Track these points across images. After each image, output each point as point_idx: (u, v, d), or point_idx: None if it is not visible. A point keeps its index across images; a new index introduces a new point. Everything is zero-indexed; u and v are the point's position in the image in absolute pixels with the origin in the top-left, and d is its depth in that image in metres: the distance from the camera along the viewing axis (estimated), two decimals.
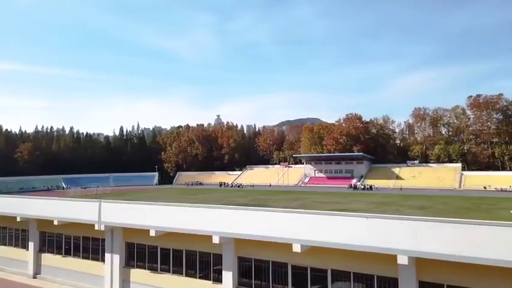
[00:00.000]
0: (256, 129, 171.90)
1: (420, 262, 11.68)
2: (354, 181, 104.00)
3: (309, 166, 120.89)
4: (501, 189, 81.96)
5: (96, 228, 19.57)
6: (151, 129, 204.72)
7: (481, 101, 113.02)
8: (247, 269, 16.26)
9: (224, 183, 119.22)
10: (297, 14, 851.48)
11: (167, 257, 18.48)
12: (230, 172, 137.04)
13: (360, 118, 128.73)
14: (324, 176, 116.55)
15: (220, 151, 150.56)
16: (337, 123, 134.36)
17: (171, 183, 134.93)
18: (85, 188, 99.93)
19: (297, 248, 13.62)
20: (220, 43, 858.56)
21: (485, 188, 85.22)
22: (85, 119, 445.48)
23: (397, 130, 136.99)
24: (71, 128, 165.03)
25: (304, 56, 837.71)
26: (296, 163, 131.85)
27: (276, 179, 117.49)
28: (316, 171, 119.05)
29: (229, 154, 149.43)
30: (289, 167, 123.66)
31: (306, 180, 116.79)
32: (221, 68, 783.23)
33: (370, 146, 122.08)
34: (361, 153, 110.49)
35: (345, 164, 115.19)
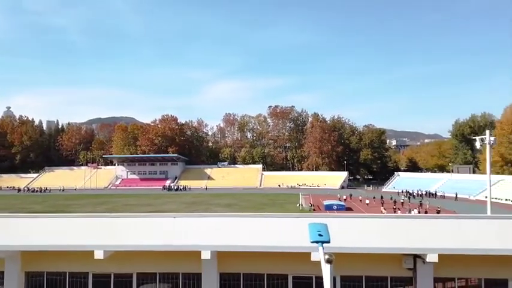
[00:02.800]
0: (60, 126, 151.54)
1: (221, 255, 12.50)
2: (168, 182, 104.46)
3: (121, 167, 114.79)
4: (291, 186, 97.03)
5: None
6: None
7: (278, 111, 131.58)
8: (37, 285, 13.98)
9: (25, 188, 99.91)
10: (110, 5, 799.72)
11: None
12: (23, 175, 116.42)
13: (175, 120, 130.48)
14: (138, 177, 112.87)
15: (9, 150, 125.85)
16: (152, 124, 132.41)
17: None
18: None
19: (99, 255, 12.52)
20: (10, 21, 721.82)
21: (279, 186, 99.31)
22: None
23: (210, 133, 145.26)
24: None
25: (118, 51, 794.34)
26: (107, 164, 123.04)
27: (82, 182, 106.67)
28: (129, 173, 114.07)
29: (22, 153, 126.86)
30: (98, 168, 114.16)
31: (118, 182, 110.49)
32: (11, 52, 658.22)
33: (185, 148, 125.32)
34: (176, 155, 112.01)
35: (159, 165, 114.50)
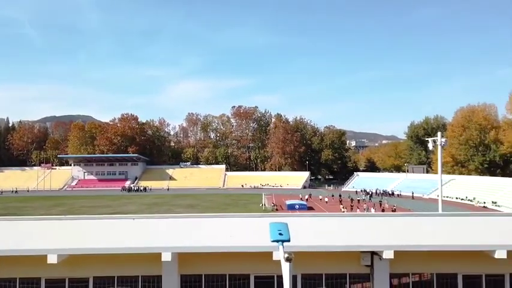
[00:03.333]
0: (10, 124, 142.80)
1: (182, 257, 12.31)
2: (128, 183, 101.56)
3: (77, 168, 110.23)
4: (255, 186, 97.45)
5: None
6: None
7: (241, 111, 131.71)
8: None
9: None
10: None
11: None
12: None
13: (136, 119, 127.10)
14: (95, 178, 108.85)
15: None
16: (111, 123, 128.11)
17: None
18: None
19: (52, 259, 11.92)
20: None
21: (242, 186, 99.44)
22: None
23: (172, 133, 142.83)
24: None
25: (74, 46, 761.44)
26: (62, 164, 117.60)
27: (35, 183, 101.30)
28: (86, 174, 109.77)
29: None
30: (52, 169, 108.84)
31: (74, 183, 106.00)
32: None
33: (146, 148, 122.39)
34: (136, 155, 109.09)
35: (119, 166, 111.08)
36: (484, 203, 58.44)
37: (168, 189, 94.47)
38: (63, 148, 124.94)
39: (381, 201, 58.32)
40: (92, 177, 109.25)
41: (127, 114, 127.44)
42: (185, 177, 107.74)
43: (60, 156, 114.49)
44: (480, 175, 79.90)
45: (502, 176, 76.85)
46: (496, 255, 11.51)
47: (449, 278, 12.90)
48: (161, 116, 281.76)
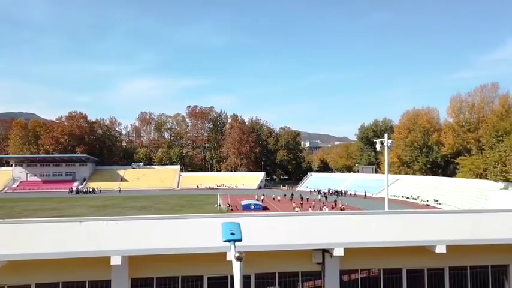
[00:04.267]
0: None
1: (133, 260, 11.92)
2: (75, 184, 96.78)
3: (19, 169, 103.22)
4: (210, 187, 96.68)
5: None
6: None
7: (197, 111, 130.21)
8: None
9: None
10: None
11: None
12: None
13: (85, 117, 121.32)
14: (40, 179, 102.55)
15: None
16: (58, 121, 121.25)
17: None
18: None
19: None
20: None
21: (197, 187, 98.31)
22: None
23: (124, 132, 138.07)
24: None
25: (17, 39, 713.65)
26: (1, 165, 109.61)
27: None
28: (29, 175, 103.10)
29: None
30: None
31: (15, 185, 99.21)
32: None
33: (96, 147, 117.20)
34: (84, 155, 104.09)
35: (65, 166, 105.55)
36: (427, 201, 62.22)
37: (119, 190, 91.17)
38: (4, 147, 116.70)
39: (335, 201, 60.16)
40: (35, 178, 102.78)
41: (75, 112, 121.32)
42: (137, 178, 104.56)
43: (0, 156, 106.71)
44: (424, 175, 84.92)
45: (443, 176, 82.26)
46: (437, 250, 12.28)
47: (394, 273, 13.57)
48: (112, 114, 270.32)
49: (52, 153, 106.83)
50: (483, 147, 69.07)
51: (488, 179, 60.94)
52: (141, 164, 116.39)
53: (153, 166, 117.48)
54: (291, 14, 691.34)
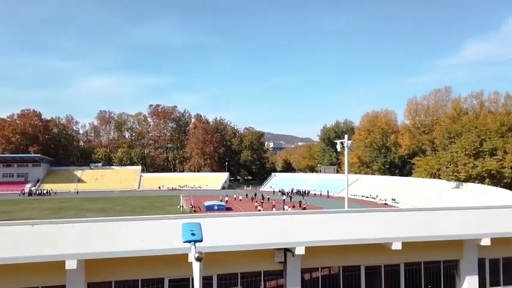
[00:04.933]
0: None
1: (90, 264, 11.48)
2: (28, 186, 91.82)
3: None
4: (172, 188, 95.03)
5: None
6: None
7: (159, 110, 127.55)
8: None
9: None
10: None
11: None
12: None
13: (39, 115, 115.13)
14: None
15: None
16: (9, 120, 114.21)
17: None
18: None
19: None
20: None
21: (160, 188, 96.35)
22: None
23: (81, 131, 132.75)
24: None
25: None
26: None
27: None
28: None
29: None
30: None
31: None
32: None
33: (51, 147, 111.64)
34: (38, 155, 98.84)
35: (17, 167, 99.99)
36: (385, 200, 64.62)
37: (77, 192, 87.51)
38: None
39: (300, 201, 60.82)
40: None
41: (28, 110, 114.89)
42: (96, 179, 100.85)
43: None
44: (382, 175, 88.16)
45: (400, 176, 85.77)
46: (393, 247, 12.77)
47: (353, 270, 13.96)
48: (69, 113, 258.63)
49: (3, 153, 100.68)
50: (437, 148, 72.71)
51: (441, 178, 64.15)
52: (100, 164, 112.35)
53: (112, 167, 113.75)
54: (255, 16, 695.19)
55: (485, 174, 61.88)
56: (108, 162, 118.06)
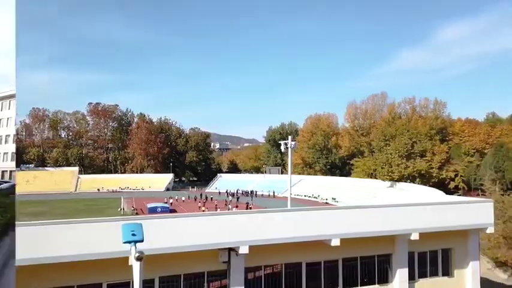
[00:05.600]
0: None
1: (22, 270, 10.71)
2: None
3: None
4: (113, 190, 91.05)
5: None
6: None
7: (100, 109, 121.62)
8: None
9: None
10: None
11: None
12: None
13: None
14: None
15: None
16: None
17: None
18: None
19: None
20: None
21: (99, 190, 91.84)
22: None
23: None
24: None
25: None
26: None
27: None
28: None
29: None
30: None
31: None
32: None
33: None
34: None
35: None
36: (326, 199, 67.24)
37: None
38: None
39: (247, 202, 60.99)
40: None
41: None
42: (27, 181, 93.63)
43: None
44: (324, 175, 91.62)
45: (340, 176, 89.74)
46: (332, 243, 13.39)
47: (295, 267, 14.42)
48: None
49: None
50: (374, 150, 77.11)
51: (377, 178, 68.17)
52: (32, 165, 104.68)
53: (46, 168, 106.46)
54: (206, 17, 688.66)
55: (416, 174, 66.85)
56: (42, 163, 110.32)
